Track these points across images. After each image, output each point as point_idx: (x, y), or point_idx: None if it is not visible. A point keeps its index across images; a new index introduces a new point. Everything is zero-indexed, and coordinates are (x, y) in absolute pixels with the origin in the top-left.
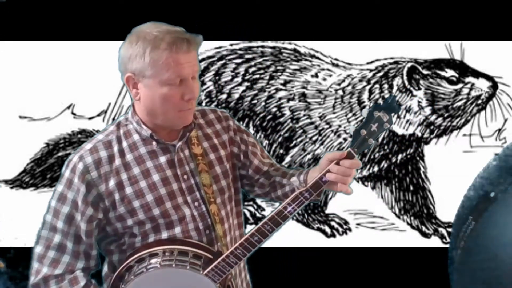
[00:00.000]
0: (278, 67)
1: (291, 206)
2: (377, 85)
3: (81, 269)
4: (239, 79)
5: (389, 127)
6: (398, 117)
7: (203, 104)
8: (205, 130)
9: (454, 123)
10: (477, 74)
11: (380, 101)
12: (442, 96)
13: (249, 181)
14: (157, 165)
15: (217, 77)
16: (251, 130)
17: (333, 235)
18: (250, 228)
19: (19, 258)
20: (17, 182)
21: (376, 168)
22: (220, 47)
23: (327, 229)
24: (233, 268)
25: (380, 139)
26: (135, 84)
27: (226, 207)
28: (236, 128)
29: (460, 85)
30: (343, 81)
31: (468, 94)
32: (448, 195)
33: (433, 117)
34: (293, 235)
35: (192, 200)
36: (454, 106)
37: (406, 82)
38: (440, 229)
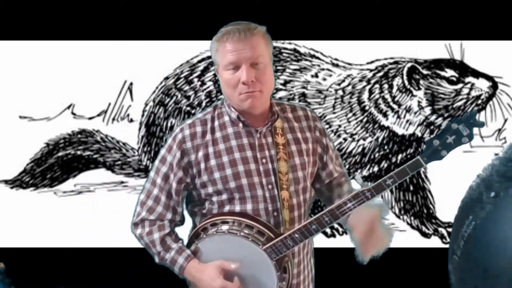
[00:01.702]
0: (278, 67)
1: (351, 202)
2: (377, 85)
3: (169, 220)
4: None
5: (469, 142)
6: (398, 117)
7: (203, 104)
8: (292, 124)
9: None
10: (477, 74)
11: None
12: (442, 96)
13: (318, 183)
14: (239, 144)
15: (217, 77)
16: None
17: (333, 235)
18: None
19: (19, 258)
20: (17, 182)
21: (376, 168)
22: None
23: (327, 229)
24: (290, 251)
25: (380, 139)
26: (218, 74)
27: (299, 196)
28: (322, 130)
29: (460, 85)
30: (343, 81)
31: (468, 94)
32: (448, 195)
33: (433, 117)
34: None
35: (267, 183)
36: (454, 106)
37: (406, 82)
38: (440, 229)
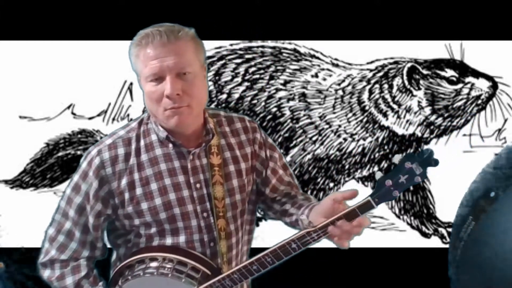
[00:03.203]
0: (278, 67)
1: (295, 243)
2: (377, 85)
3: (86, 258)
4: (239, 79)
5: (421, 181)
6: (398, 117)
7: None
8: (229, 139)
9: (454, 123)
10: (477, 74)
11: (416, 153)
12: (442, 96)
13: (265, 199)
14: (170, 169)
15: (217, 77)
16: None
17: None
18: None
19: (19, 258)
20: (17, 182)
21: (376, 168)
22: (220, 47)
23: None
24: None
25: (380, 139)
26: (140, 84)
27: (236, 221)
28: (262, 142)
29: (460, 85)
30: (343, 81)
31: (468, 94)
32: (448, 195)
33: (433, 117)
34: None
35: (202, 210)
36: (454, 106)
37: (406, 82)
38: (440, 229)
